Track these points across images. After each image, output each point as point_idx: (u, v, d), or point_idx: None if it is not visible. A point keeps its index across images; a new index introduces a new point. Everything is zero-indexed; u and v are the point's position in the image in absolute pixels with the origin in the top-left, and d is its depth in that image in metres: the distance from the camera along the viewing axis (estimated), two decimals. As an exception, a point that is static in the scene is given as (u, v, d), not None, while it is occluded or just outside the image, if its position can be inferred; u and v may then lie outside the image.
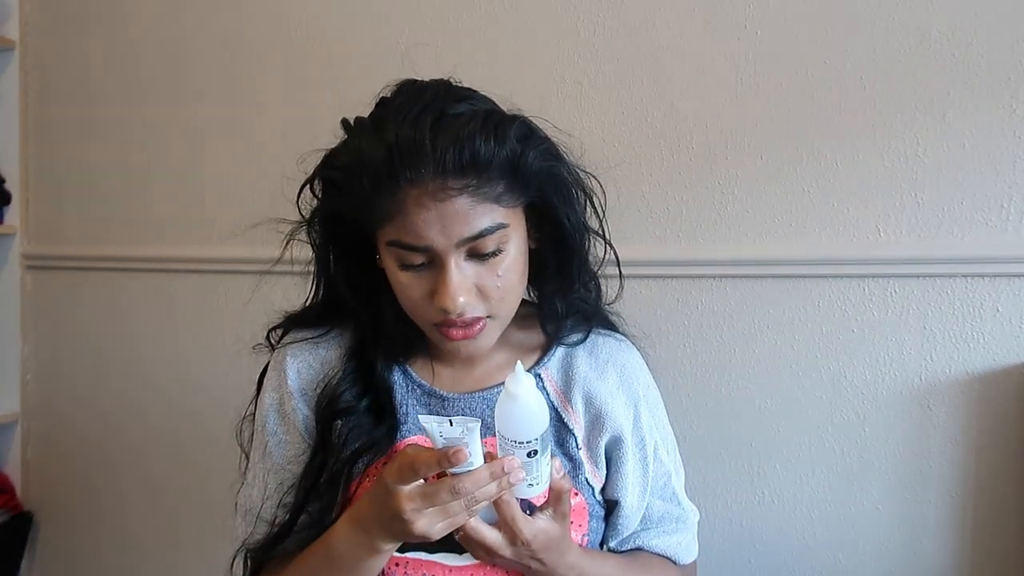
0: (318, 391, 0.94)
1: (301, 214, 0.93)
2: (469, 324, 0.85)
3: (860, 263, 1.27)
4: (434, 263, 0.83)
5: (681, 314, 1.39)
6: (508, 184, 0.82)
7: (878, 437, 1.29)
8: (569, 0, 1.44)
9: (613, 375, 0.97)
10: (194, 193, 1.80)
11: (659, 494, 1.00)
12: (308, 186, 0.91)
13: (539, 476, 0.81)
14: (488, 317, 0.87)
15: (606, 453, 0.96)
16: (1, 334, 2.04)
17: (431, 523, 0.77)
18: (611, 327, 1.03)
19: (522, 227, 0.87)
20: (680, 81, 1.37)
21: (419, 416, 0.77)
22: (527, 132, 0.85)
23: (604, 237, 0.97)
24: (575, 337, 0.98)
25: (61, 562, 2.03)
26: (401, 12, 1.58)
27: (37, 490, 2.06)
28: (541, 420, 0.79)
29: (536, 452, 0.79)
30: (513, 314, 0.91)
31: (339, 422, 0.92)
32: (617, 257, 1.00)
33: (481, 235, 0.81)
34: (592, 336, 0.99)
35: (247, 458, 1.00)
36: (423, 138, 0.78)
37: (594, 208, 0.95)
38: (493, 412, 0.91)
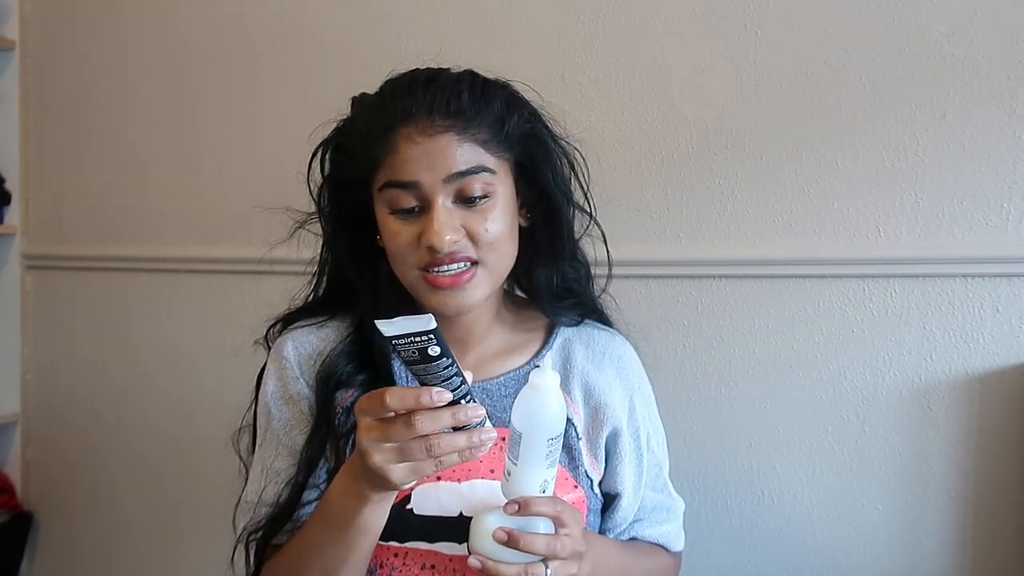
0: (316, 365, 0.94)
1: (310, 188, 0.96)
2: (457, 274, 0.85)
3: (860, 263, 1.27)
4: (423, 209, 0.86)
5: (681, 314, 1.39)
6: (493, 134, 0.87)
7: (878, 437, 1.28)
8: (569, 0, 1.44)
9: (610, 367, 0.98)
10: (194, 193, 1.80)
11: (651, 484, 1.01)
12: (319, 161, 0.95)
13: (549, 483, 0.79)
14: (477, 264, 0.87)
15: (605, 447, 0.97)
16: (1, 334, 2.04)
17: (386, 459, 0.72)
18: (605, 320, 1.05)
19: (510, 185, 0.90)
20: (680, 81, 1.37)
21: (375, 320, 0.71)
22: (512, 95, 0.92)
23: (589, 212, 0.99)
24: (572, 319, 0.99)
25: (61, 562, 2.03)
26: (401, 10, 1.58)
27: (37, 490, 2.06)
28: (561, 419, 0.77)
29: (552, 452, 0.78)
30: (504, 272, 0.91)
31: (339, 394, 0.91)
32: (603, 233, 1.02)
33: (466, 173, 0.84)
34: (588, 329, 1.00)
35: (246, 469, 1.00)
36: (416, 86, 0.87)
37: (578, 179, 0.97)
38: (493, 404, 0.92)
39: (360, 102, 0.93)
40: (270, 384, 0.97)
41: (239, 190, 1.75)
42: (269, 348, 1.01)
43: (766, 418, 1.35)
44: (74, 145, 1.96)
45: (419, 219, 0.86)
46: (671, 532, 1.03)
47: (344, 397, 0.92)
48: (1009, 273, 1.21)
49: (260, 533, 0.92)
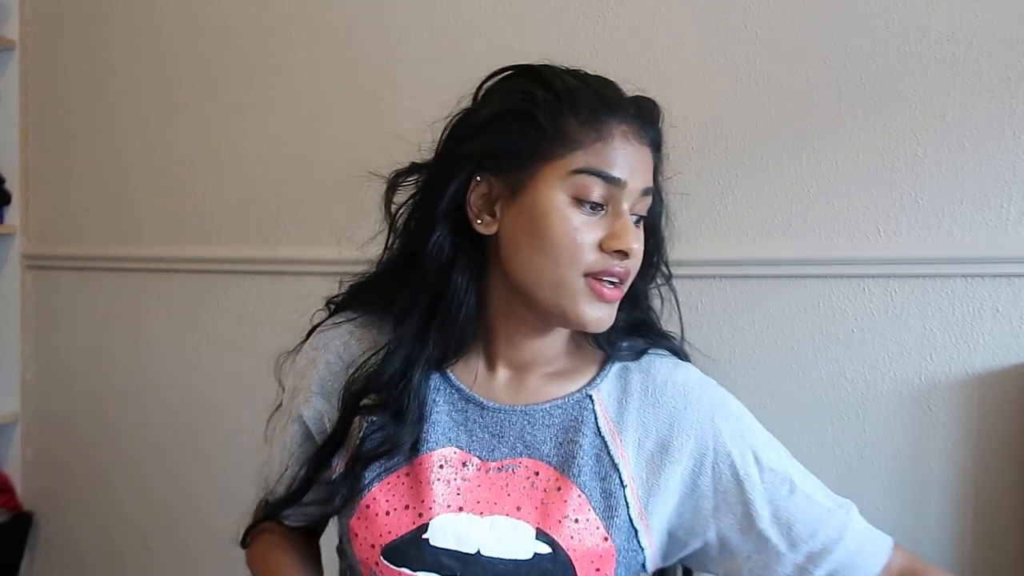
0: (349, 371, 0.88)
1: (438, 156, 0.88)
2: (618, 287, 0.83)
3: (860, 263, 1.27)
4: (606, 208, 0.82)
5: (681, 314, 1.38)
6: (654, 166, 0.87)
7: (878, 437, 1.28)
8: (569, 0, 1.44)
9: (675, 397, 0.90)
10: (194, 193, 1.80)
11: (786, 501, 0.89)
12: (484, 128, 0.85)
13: None
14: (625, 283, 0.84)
15: (683, 488, 0.87)
16: (1, 334, 2.04)
17: None
18: (668, 348, 0.97)
19: None
20: (680, 81, 1.37)
21: None
22: None
23: (668, 273, 0.96)
24: (631, 352, 0.92)
25: (61, 562, 2.03)
26: (401, 14, 1.58)
27: (37, 490, 2.06)
28: None
29: None
30: None
31: (360, 414, 0.87)
32: (677, 298, 0.98)
33: (648, 192, 0.84)
34: (648, 356, 0.93)
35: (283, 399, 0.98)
36: (617, 88, 0.88)
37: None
38: (533, 432, 0.86)
39: (550, 77, 0.84)
40: (290, 381, 0.95)
41: (239, 190, 1.75)
42: (330, 312, 0.96)
43: (766, 418, 1.34)
44: (74, 145, 1.96)
45: (600, 220, 0.81)
46: (865, 545, 0.90)
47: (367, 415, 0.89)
48: (1009, 273, 1.21)
49: (266, 512, 0.95)
